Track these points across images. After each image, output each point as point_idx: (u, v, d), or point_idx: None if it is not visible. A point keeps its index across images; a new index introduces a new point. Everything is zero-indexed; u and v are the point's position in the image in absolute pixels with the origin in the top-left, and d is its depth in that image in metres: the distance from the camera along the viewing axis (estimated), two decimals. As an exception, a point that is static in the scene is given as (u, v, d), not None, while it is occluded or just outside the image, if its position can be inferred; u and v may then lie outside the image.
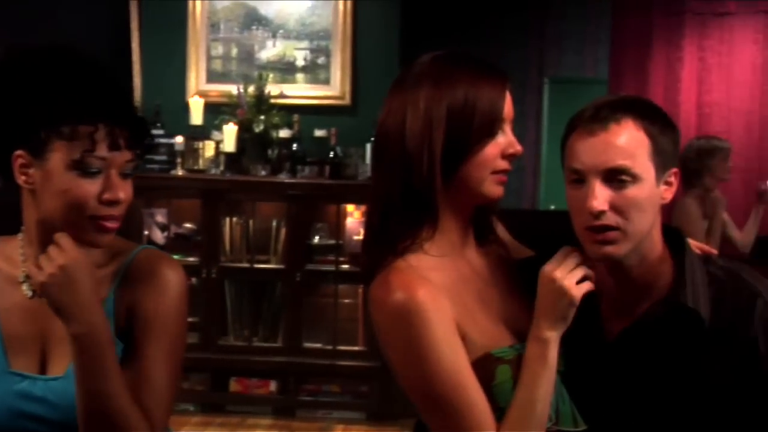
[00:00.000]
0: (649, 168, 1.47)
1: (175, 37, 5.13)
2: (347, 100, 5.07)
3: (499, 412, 1.43)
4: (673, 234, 1.59)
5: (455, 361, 1.40)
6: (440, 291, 1.42)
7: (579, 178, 1.48)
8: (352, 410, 4.81)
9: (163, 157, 4.91)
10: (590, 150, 1.47)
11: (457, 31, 6.28)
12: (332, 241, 4.86)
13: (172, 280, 1.49)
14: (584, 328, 1.51)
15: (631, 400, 1.55)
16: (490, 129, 1.46)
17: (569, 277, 1.44)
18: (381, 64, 5.08)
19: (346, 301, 4.87)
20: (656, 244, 1.54)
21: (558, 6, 6.82)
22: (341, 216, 4.86)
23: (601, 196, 1.44)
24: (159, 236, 4.96)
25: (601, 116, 1.47)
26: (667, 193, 1.53)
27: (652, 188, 1.48)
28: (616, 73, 6.21)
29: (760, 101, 6.11)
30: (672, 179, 1.53)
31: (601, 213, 1.45)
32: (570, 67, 7.06)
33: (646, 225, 1.49)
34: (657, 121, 1.50)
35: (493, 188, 1.49)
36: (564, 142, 1.54)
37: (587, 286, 1.46)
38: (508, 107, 1.49)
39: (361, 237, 5.10)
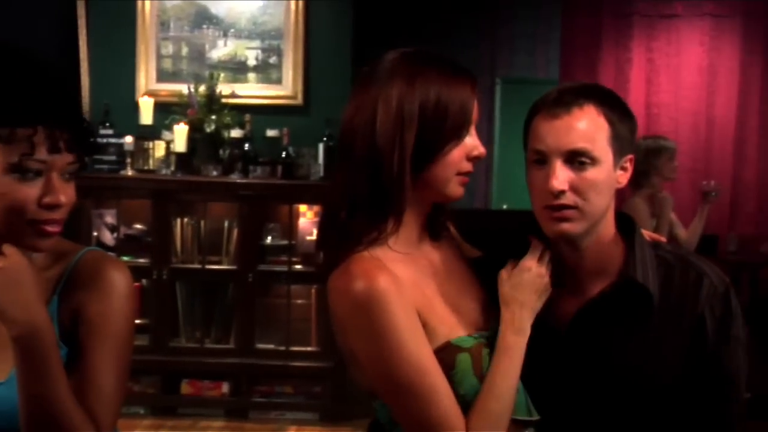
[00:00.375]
0: (608, 152, 1.54)
1: (124, 35, 5.06)
2: (299, 100, 5.05)
3: (460, 399, 1.45)
4: (624, 219, 1.65)
5: (418, 347, 1.42)
6: (401, 280, 1.44)
7: (541, 159, 1.54)
8: (305, 411, 4.79)
9: (113, 157, 4.84)
10: (553, 132, 1.53)
11: (409, 32, 6.29)
12: (285, 242, 4.83)
13: (118, 282, 1.46)
14: (537, 316, 1.56)
15: (584, 382, 1.59)
16: (460, 131, 1.48)
17: (546, 272, 1.56)
18: (333, 63, 5.07)
19: (299, 301, 4.85)
20: (610, 226, 1.61)
21: (509, 7, 6.88)
22: (294, 216, 4.84)
23: (561, 177, 1.51)
24: (108, 237, 4.89)
25: (564, 101, 1.54)
26: (622, 178, 1.60)
27: (609, 172, 1.55)
28: (566, 73, 6.29)
29: (706, 102, 6.24)
30: (627, 165, 1.60)
31: (561, 192, 1.51)
32: (521, 67, 7.12)
33: (603, 206, 1.56)
34: (616, 109, 1.57)
35: (457, 189, 1.52)
36: (527, 124, 1.59)
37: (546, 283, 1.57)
38: (475, 110, 1.52)
39: (314, 237, 5.07)
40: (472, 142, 1.52)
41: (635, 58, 6.27)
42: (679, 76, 6.26)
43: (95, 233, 4.89)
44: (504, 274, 1.56)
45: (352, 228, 1.47)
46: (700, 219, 4.68)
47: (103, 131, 4.86)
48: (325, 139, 4.86)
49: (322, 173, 4.83)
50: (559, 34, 6.57)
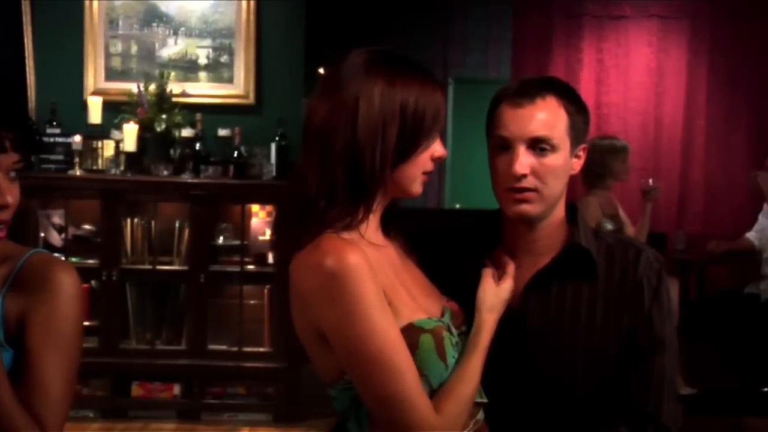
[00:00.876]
0: (566, 140, 1.68)
1: (71, 33, 4.97)
2: (251, 99, 5.02)
3: (423, 379, 1.49)
4: (569, 205, 1.80)
5: (387, 323, 1.46)
6: (371, 260, 1.48)
7: (505, 145, 1.67)
8: (258, 412, 4.76)
9: (60, 157, 4.75)
10: (517, 120, 1.65)
11: (362, 31, 6.30)
12: (237, 242, 4.80)
13: (65, 284, 1.45)
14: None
15: (538, 353, 1.68)
16: (432, 132, 1.56)
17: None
18: (285, 63, 5.05)
19: (252, 302, 4.82)
20: (562, 209, 1.76)
21: (462, 7, 6.92)
22: (246, 216, 4.80)
23: (524, 162, 1.64)
24: (56, 238, 4.81)
25: (528, 91, 1.67)
26: (576, 165, 1.74)
27: (566, 159, 1.69)
28: (518, 73, 6.34)
29: (654, 102, 6.34)
30: (581, 153, 1.75)
31: (524, 176, 1.64)
32: (474, 67, 7.17)
33: (559, 190, 1.70)
34: (574, 101, 1.71)
35: (419, 187, 1.59)
36: (490, 113, 1.72)
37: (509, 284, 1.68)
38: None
39: (266, 237, 5.01)
40: (437, 143, 1.59)
41: (585, 59, 6.34)
42: (628, 76, 6.35)
43: (42, 234, 4.81)
44: (489, 284, 1.65)
45: (326, 216, 1.51)
46: (645, 217, 4.78)
47: (50, 130, 4.78)
48: (277, 138, 4.84)
49: (274, 173, 4.81)
50: (511, 34, 6.63)
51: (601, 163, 4.38)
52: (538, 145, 1.65)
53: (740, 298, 5.01)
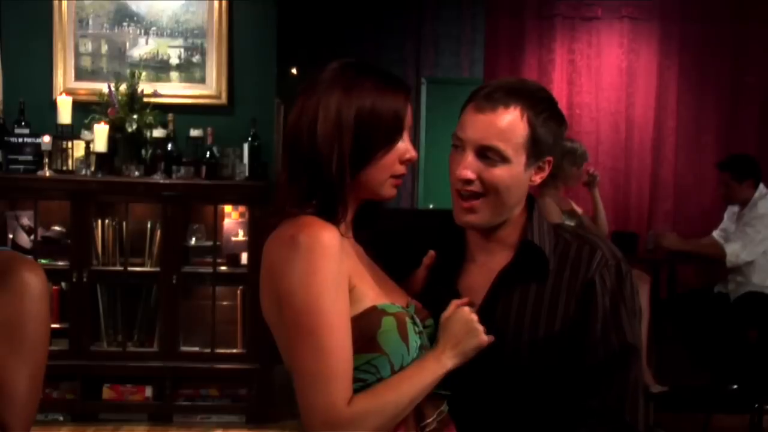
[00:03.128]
0: (521, 153, 1.64)
1: (39, 32, 4.92)
2: (223, 100, 4.99)
3: (384, 358, 1.53)
4: (528, 198, 1.77)
5: (335, 304, 1.48)
6: (344, 246, 1.54)
7: (459, 145, 1.66)
8: (231, 413, 4.74)
9: (29, 157, 4.70)
10: (473, 125, 1.64)
11: (334, 32, 6.29)
12: (209, 243, 4.77)
13: (31, 284, 1.42)
14: (445, 292, 1.68)
15: (498, 349, 1.65)
16: (393, 137, 1.59)
17: (481, 327, 1.61)
18: (258, 63, 5.03)
19: (224, 303, 4.79)
20: (520, 215, 1.73)
21: (434, 8, 6.92)
22: (218, 217, 4.78)
23: (470, 167, 1.63)
24: (25, 240, 4.76)
25: (494, 97, 1.64)
26: (537, 177, 1.70)
27: (518, 171, 1.65)
28: (490, 73, 6.35)
29: (626, 103, 6.38)
30: (545, 166, 1.70)
31: (468, 181, 1.63)
32: (446, 67, 7.18)
33: (511, 201, 1.68)
34: (543, 113, 1.66)
35: (389, 190, 1.63)
36: (461, 110, 1.70)
37: (491, 338, 1.62)
38: (408, 116, 1.62)
39: (239, 238, 4.99)
40: (404, 146, 1.61)
41: (557, 59, 6.37)
42: (600, 77, 6.39)
43: (11, 236, 4.75)
44: (455, 310, 1.62)
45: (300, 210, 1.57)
46: (597, 203, 4.93)
47: (18, 130, 4.73)
48: (250, 138, 4.81)
49: (247, 173, 4.78)
50: (483, 35, 6.65)
51: (558, 165, 4.38)
52: (487, 154, 1.62)
53: (710, 296, 5.06)
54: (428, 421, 1.59)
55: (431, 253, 1.76)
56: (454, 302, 1.64)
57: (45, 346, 1.44)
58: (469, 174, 1.62)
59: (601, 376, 1.65)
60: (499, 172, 1.63)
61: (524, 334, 1.66)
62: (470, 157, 1.63)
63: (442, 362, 1.57)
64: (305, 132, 1.57)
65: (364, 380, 1.52)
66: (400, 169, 1.62)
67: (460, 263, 1.76)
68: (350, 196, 1.60)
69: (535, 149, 1.65)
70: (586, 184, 4.94)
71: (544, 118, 1.65)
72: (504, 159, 1.62)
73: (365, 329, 1.52)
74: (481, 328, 1.60)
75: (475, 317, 1.61)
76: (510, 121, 1.62)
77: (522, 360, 1.66)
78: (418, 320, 1.62)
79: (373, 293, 1.57)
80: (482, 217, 1.66)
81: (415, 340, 1.57)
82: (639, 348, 1.68)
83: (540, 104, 1.66)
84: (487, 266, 1.71)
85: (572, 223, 4.33)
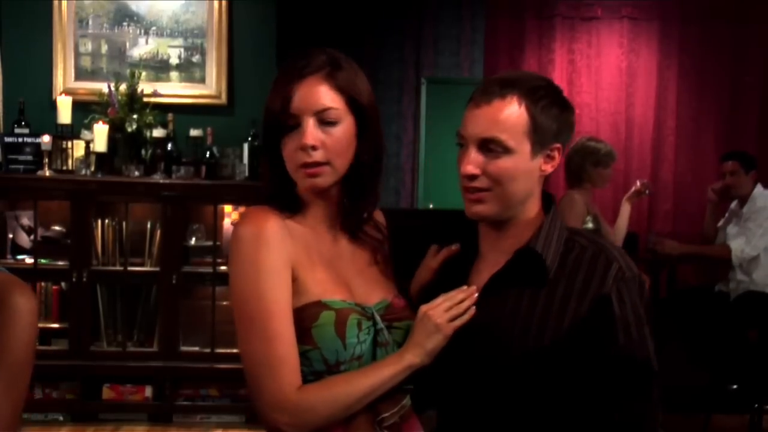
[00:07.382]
0: (524, 142, 1.62)
1: (39, 32, 4.92)
2: (223, 99, 4.99)
3: (316, 351, 1.53)
4: (546, 198, 1.74)
5: (274, 290, 1.51)
6: (291, 234, 1.57)
7: (462, 143, 1.66)
8: (230, 414, 4.74)
9: (29, 157, 4.70)
10: (473, 120, 1.63)
11: (334, 32, 6.28)
12: (209, 243, 4.77)
13: (22, 308, 1.40)
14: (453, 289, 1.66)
15: (480, 348, 1.63)
16: (281, 126, 1.59)
17: (443, 316, 1.60)
18: (257, 63, 5.02)
19: (224, 303, 4.79)
20: (532, 209, 1.69)
21: (434, 8, 6.91)
22: (218, 217, 4.78)
23: (474, 162, 1.62)
24: (25, 240, 4.76)
25: (489, 91, 1.63)
26: (547, 166, 1.67)
27: (525, 161, 1.63)
28: (490, 74, 6.35)
29: (625, 103, 6.39)
30: (554, 154, 1.67)
31: (473, 176, 1.62)
32: (447, 67, 7.16)
33: (519, 192, 1.65)
34: (542, 100, 1.63)
35: (304, 181, 1.60)
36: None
37: (460, 321, 1.61)
38: (300, 101, 1.57)
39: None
40: (299, 132, 1.58)
41: (557, 59, 6.38)
42: (600, 77, 6.40)
43: (11, 236, 4.75)
44: (430, 306, 1.62)
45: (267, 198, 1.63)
46: (623, 217, 4.74)
47: (18, 130, 4.73)
48: (249, 138, 4.81)
49: (246, 173, 4.78)
50: (483, 35, 6.65)
51: (581, 166, 4.36)
52: (489, 146, 1.61)
53: (710, 295, 5.06)
54: (385, 415, 1.59)
55: (453, 247, 1.76)
56: (422, 306, 1.63)
57: (29, 371, 1.41)
58: (473, 169, 1.61)
59: (623, 390, 1.59)
60: (503, 164, 1.61)
61: (517, 339, 1.61)
62: (473, 153, 1.62)
63: (404, 358, 1.58)
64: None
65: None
66: (302, 156, 1.57)
67: (472, 261, 1.74)
68: (298, 188, 1.63)
69: (538, 137, 1.62)
70: (638, 193, 4.80)
71: (543, 104, 1.62)
72: (507, 150, 1.60)
73: (301, 321, 1.53)
74: (446, 327, 1.59)
75: (436, 317, 1.59)
76: (508, 111, 1.61)
77: (517, 364, 1.61)
78: (378, 318, 1.60)
79: (319, 288, 1.57)
80: (491, 208, 1.64)
81: (354, 336, 1.55)
82: (650, 371, 1.61)
83: (537, 91, 1.63)
84: (497, 265, 1.68)
85: (592, 226, 4.31)
